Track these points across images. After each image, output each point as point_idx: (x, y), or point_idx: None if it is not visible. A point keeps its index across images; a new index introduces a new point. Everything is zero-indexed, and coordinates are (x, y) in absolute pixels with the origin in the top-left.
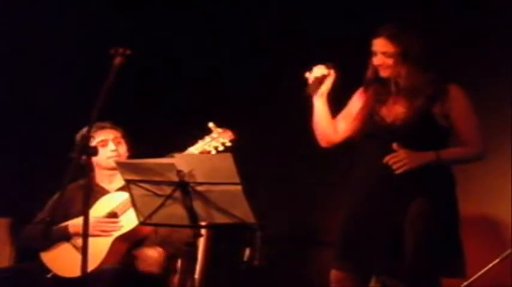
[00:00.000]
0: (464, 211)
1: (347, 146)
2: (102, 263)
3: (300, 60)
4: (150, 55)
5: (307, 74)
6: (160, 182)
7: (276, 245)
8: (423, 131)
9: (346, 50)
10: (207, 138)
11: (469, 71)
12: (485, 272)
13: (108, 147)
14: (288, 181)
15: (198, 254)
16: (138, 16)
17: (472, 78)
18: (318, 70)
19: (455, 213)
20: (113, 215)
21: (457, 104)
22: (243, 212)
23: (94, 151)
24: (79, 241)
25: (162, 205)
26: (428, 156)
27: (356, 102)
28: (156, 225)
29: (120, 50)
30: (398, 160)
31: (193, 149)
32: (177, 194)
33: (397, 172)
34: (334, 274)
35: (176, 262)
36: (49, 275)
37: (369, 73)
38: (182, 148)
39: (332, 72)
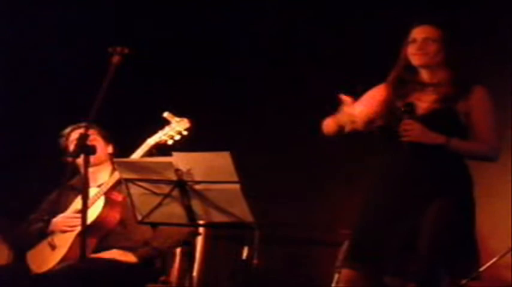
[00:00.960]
0: None
1: (348, 144)
2: (64, 257)
3: (299, 60)
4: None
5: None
6: (159, 180)
7: (276, 245)
8: (445, 127)
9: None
10: (166, 128)
11: None
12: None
13: None
14: (287, 180)
15: (196, 253)
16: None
17: None
18: (348, 116)
19: (472, 214)
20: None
21: (479, 104)
22: (241, 211)
23: (92, 150)
24: (54, 238)
25: (160, 204)
26: (438, 138)
27: (377, 93)
28: (154, 224)
29: (118, 49)
30: (410, 128)
31: (151, 140)
32: (175, 192)
33: (403, 139)
34: (345, 273)
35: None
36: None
37: (400, 64)
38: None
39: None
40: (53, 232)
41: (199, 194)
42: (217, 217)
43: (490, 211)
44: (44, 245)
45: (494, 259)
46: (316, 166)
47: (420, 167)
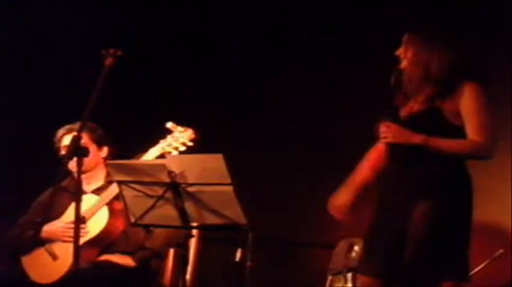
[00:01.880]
0: None
1: (345, 144)
2: (71, 268)
3: (300, 60)
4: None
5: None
6: (152, 183)
7: (268, 247)
8: (428, 127)
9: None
10: (169, 138)
11: None
12: (483, 272)
13: None
14: (282, 182)
15: (190, 255)
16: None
17: None
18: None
19: (464, 217)
20: (81, 219)
21: (468, 101)
22: (235, 213)
23: (85, 152)
24: (54, 246)
25: (153, 206)
26: (415, 137)
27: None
28: (147, 226)
29: (111, 51)
30: (387, 130)
31: (155, 151)
32: (169, 195)
33: (382, 141)
34: (360, 279)
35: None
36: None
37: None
38: (143, 149)
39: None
40: (50, 240)
41: (193, 196)
42: (211, 219)
43: (490, 211)
44: (42, 253)
45: (484, 263)
46: (311, 168)
47: (409, 171)
